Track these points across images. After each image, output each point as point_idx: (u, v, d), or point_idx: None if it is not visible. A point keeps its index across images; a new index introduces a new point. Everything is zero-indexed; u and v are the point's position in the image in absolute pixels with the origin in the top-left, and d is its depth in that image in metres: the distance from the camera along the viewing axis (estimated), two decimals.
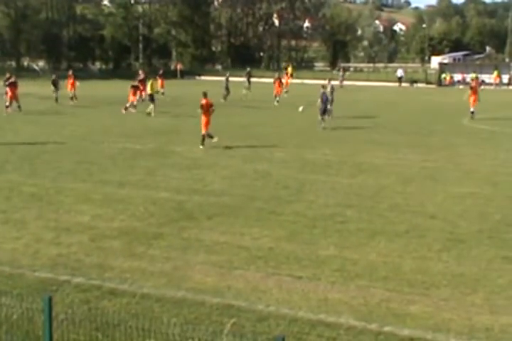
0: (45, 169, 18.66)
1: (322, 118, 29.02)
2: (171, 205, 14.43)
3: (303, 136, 27.10)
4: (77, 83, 40.75)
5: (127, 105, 34.61)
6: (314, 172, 18.73)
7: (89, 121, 31.63)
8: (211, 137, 22.92)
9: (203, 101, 22.91)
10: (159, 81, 44.18)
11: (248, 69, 54.66)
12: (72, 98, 39.80)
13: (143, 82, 37.67)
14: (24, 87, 39.38)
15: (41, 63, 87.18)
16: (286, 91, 46.82)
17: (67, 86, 40.56)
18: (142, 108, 34.60)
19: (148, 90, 34.67)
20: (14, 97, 34.49)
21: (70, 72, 41.89)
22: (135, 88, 35.39)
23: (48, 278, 9.83)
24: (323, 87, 29.89)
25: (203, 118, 22.89)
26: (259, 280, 9.93)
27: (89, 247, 11.41)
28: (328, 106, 29.68)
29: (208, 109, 22.80)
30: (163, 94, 43.78)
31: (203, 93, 23.01)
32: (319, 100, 28.98)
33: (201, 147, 22.59)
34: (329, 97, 30.07)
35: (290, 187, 16.54)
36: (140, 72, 41.21)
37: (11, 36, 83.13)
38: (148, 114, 33.19)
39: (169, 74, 64.20)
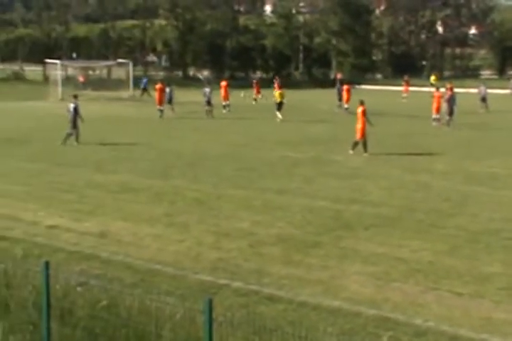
0: (207, 175, 19.31)
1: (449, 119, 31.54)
2: (329, 214, 14.42)
3: (466, 146, 26.08)
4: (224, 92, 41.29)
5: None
6: (478, 185, 17.96)
7: (245, 128, 32.33)
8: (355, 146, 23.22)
9: (361, 109, 23.59)
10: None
11: (406, 77, 54.55)
12: (224, 107, 40.40)
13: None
14: (190, 95, 40.88)
15: (206, 72, 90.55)
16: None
17: (221, 95, 41.15)
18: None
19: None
20: None
21: (224, 83, 42.47)
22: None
23: (208, 281, 10.15)
24: (451, 89, 32.98)
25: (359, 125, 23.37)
26: (418, 294, 9.67)
27: (248, 253, 11.65)
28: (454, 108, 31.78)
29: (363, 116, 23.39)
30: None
31: (360, 101, 23.86)
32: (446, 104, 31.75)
33: (365, 154, 22.81)
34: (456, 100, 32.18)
35: (452, 200, 15.98)
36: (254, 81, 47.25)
37: (179, 47, 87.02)
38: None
39: (328, 84, 64.50)
